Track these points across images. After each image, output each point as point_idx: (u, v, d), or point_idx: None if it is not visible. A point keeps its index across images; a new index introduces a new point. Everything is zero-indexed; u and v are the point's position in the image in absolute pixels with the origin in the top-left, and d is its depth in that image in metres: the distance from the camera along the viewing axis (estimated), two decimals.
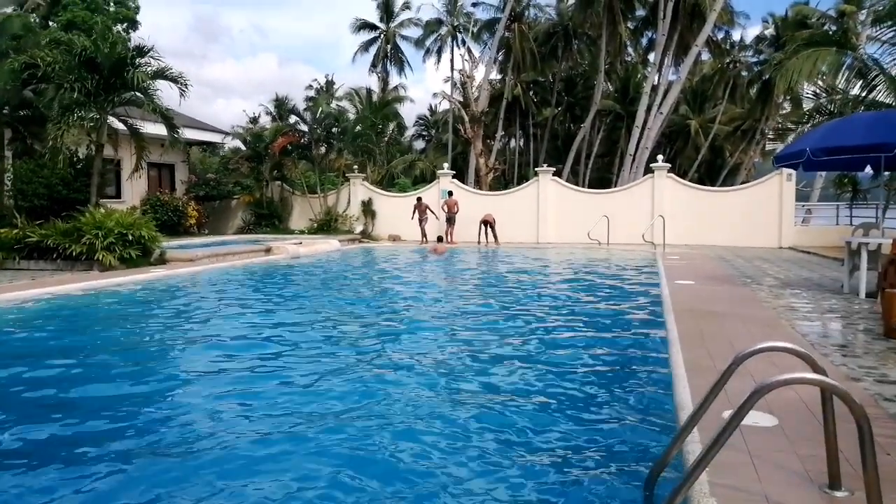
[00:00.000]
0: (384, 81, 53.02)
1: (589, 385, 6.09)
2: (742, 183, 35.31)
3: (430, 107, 61.30)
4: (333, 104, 28.14)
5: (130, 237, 15.37)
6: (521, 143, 52.06)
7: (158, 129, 24.11)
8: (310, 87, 44.48)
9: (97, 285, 12.23)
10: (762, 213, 22.39)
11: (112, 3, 38.30)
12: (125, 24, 39.80)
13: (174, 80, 16.63)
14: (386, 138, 40.07)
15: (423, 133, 62.39)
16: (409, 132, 60.31)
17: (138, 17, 39.69)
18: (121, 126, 18.16)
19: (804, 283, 12.51)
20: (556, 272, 16.08)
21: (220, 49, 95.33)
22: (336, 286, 13.73)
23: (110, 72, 15.52)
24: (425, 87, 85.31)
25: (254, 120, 30.68)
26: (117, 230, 15.20)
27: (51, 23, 29.00)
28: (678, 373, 5.60)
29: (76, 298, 11.14)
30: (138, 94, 15.79)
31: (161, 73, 16.39)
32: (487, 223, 23.82)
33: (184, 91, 16.61)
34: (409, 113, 75.82)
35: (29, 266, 15.49)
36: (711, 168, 48.10)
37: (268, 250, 19.35)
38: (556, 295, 11.96)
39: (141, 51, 15.97)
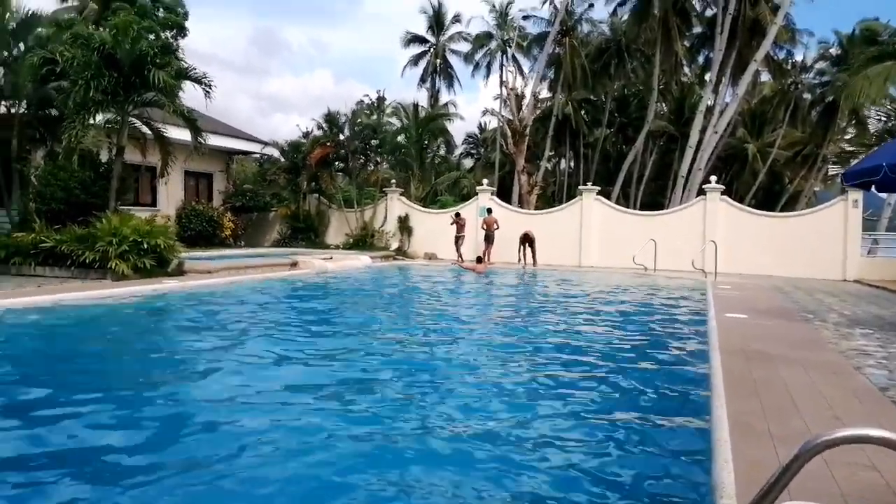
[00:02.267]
0: (434, 97, 52.49)
1: (595, 453, 4.87)
2: None
3: (480, 125, 60.51)
4: (373, 117, 27.44)
5: (146, 246, 14.71)
6: (572, 164, 50.74)
7: (188, 135, 24.04)
8: (361, 102, 44.37)
9: (88, 296, 11.45)
10: (825, 241, 20.67)
11: (161, 9, 38.60)
12: (173, 31, 40.12)
13: (198, 80, 16.03)
14: (431, 154, 39.29)
15: (472, 151, 61.60)
16: (459, 150, 59.64)
17: (187, 24, 40.02)
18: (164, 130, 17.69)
19: (875, 321, 11.03)
20: (591, 300, 14.73)
21: (278, 63, 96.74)
22: (357, 308, 12.64)
23: (131, 69, 14.96)
24: (477, 106, 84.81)
25: (306, 135, 30.10)
26: (132, 238, 14.57)
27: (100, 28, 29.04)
28: (719, 437, 4.37)
29: (58, 311, 10.33)
30: (161, 95, 15.10)
31: (184, 73, 15.78)
32: (527, 240, 22.59)
33: (208, 93, 16.02)
34: (459, 131, 75.09)
35: (45, 273, 15.00)
36: (769, 195, 45.99)
37: (294, 265, 18.57)
38: (583, 330, 10.60)
39: (166, 49, 15.38)
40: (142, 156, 18.32)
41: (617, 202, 38.03)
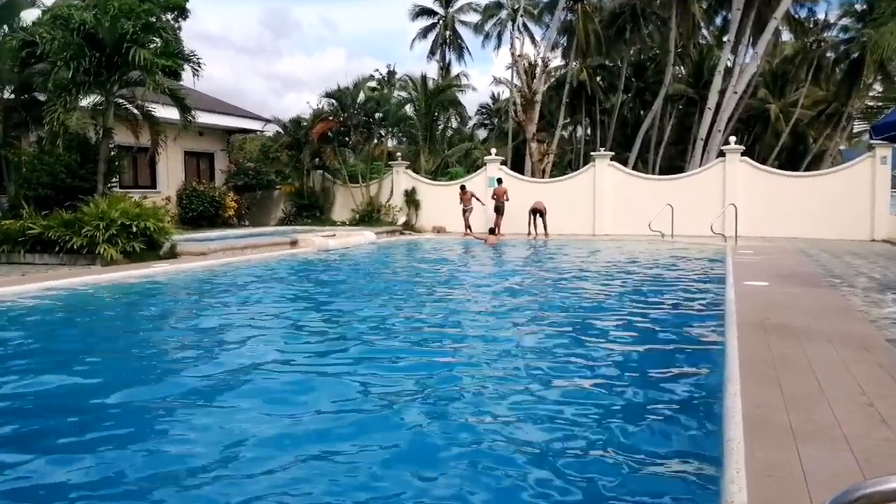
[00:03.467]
0: (446, 70, 51.55)
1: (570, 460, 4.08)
2: None
3: (492, 95, 59.40)
4: (384, 91, 26.53)
5: (135, 229, 14.13)
6: (588, 131, 49.57)
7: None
8: (371, 77, 43.46)
9: (66, 284, 10.78)
10: (851, 201, 19.59)
11: None
12: (175, 13, 39.34)
13: (185, 58, 15.26)
14: (441, 126, 38.38)
15: (486, 122, 60.60)
16: (472, 121, 58.76)
17: (188, 6, 39.21)
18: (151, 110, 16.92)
19: None
20: (600, 270, 13.88)
21: (290, 44, 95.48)
22: (353, 288, 11.90)
23: (113, 49, 14.23)
24: (490, 76, 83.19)
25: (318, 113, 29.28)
26: (120, 221, 13.98)
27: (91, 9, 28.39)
28: (731, 437, 3.61)
29: (31, 300, 9.72)
30: (144, 73, 14.34)
31: (169, 51, 15.01)
32: (537, 212, 21.77)
33: (196, 71, 15.28)
34: (473, 102, 73.76)
35: (34, 260, 14.49)
36: (793, 155, 44.69)
37: (293, 243, 17.91)
38: (585, 306, 9.58)
39: (148, 27, 14.61)
40: (134, 137, 17.62)
41: (635, 168, 36.99)
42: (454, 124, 53.89)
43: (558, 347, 6.90)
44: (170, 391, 5.51)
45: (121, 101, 15.83)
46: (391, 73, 43.08)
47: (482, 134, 59.19)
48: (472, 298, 10.52)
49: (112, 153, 16.66)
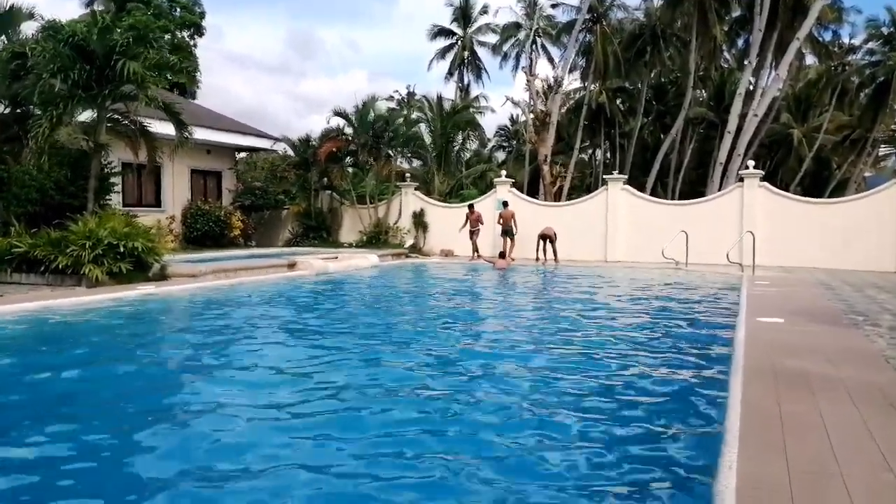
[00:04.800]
0: (465, 91, 51.40)
1: None
2: None
3: (511, 117, 59.08)
4: (403, 111, 26.13)
5: (122, 249, 13.61)
6: (608, 155, 48.90)
7: (196, 133, 22.97)
8: (391, 97, 43.31)
9: (36, 308, 10.25)
10: (875, 229, 18.64)
11: (178, 9, 37.96)
12: (191, 30, 39.50)
13: (178, 70, 14.84)
14: (457, 147, 37.96)
15: (504, 144, 60.21)
16: (491, 143, 58.53)
17: (203, 23, 39.34)
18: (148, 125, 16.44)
19: None
20: (602, 304, 12.96)
21: (314, 64, 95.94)
22: (337, 320, 10.80)
23: (104, 61, 13.82)
24: (520, 102, 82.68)
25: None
26: (107, 241, 13.48)
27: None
28: None
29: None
30: (135, 87, 13.92)
31: (162, 64, 14.59)
32: (546, 238, 21.05)
33: (185, 84, 14.85)
34: (492, 124, 73.20)
35: (20, 279, 13.98)
36: (816, 181, 43.72)
37: (291, 266, 17.34)
38: (578, 350, 8.41)
39: (140, 39, 14.19)
40: (133, 153, 17.21)
41: (653, 192, 36.20)
42: (473, 146, 53.61)
43: (521, 419, 5.52)
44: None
45: (117, 115, 15.39)
46: (410, 95, 42.91)
47: (501, 156, 58.77)
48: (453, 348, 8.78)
49: (106, 169, 16.26)
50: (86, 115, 15.46)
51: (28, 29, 16.28)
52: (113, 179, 16.79)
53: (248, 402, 5.68)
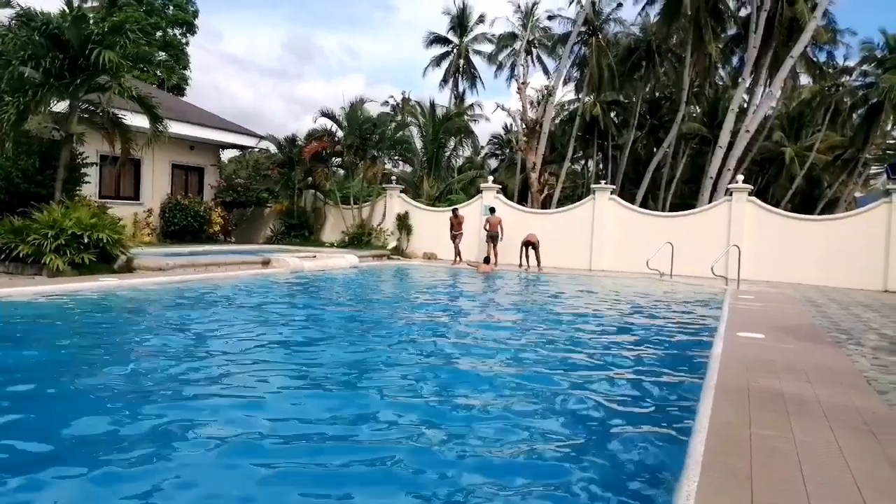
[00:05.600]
0: (460, 99, 51.26)
1: None
2: None
3: (505, 126, 58.94)
4: (398, 117, 25.70)
5: (86, 239, 13.15)
6: (601, 166, 48.70)
7: (178, 129, 22.51)
8: (385, 102, 42.93)
9: None
10: (864, 248, 18.33)
11: (171, 6, 37.50)
12: (183, 28, 39.02)
13: (149, 60, 14.38)
14: (448, 153, 37.60)
15: (497, 152, 60.06)
16: (484, 151, 58.43)
17: (196, 22, 38.86)
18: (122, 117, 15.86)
19: None
20: (580, 312, 12.49)
21: (312, 68, 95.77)
22: (291, 321, 10.13)
23: (79, 51, 13.33)
24: (507, 107, 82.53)
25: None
26: (71, 231, 13.02)
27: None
28: None
29: None
30: (109, 77, 13.43)
31: (138, 56, 14.11)
32: (530, 244, 20.66)
33: (159, 76, 14.39)
34: (486, 132, 72.92)
35: None
36: (807, 200, 43.79)
37: (265, 263, 16.90)
38: (550, 359, 8.08)
39: (116, 28, 13.69)
40: (109, 145, 16.70)
41: (644, 205, 35.95)
42: (466, 153, 53.40)
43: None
44: None
45: (91, 106, 14.86)
46: (405, 100, 42.51)
47: (494, 164, 58.70)
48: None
49: (78, 160, 15.76)
50: (63, 106, 14.97)
51: (6, 17, 15.89)
52: (85, 170, 16.22)
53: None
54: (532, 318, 11.42)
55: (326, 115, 24.56)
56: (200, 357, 7.22)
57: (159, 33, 35.69)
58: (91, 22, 13.29)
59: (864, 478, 3.71)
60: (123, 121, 15.38)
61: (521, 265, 20.83)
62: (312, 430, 4.87)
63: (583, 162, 55.16)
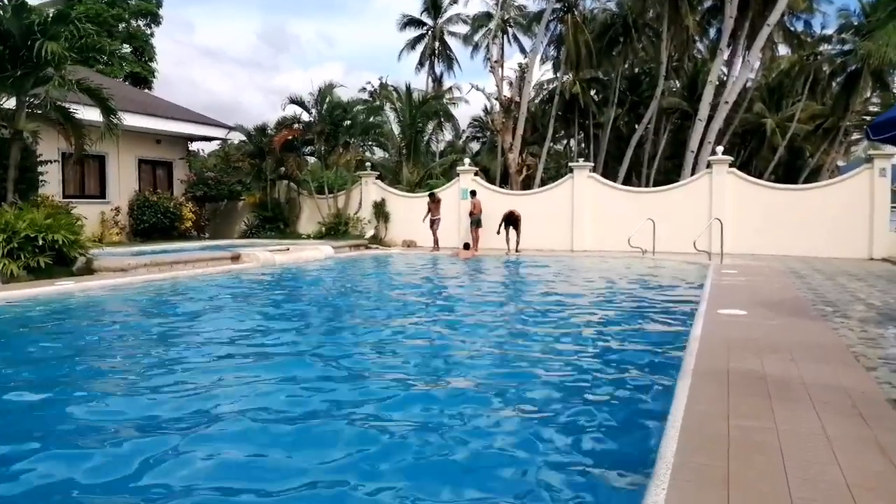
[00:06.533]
0: (438, 82, 50.60)
1: None
2: None
3: (485, 108, 58.29)
4: (376, 103, 25.03)
5: (41, 242, 12.55)
6: (583, 145, 48.21)
7: (143, 122, 21.84)
8: (363, 89, 42.16)
9: None
10: (848, 216, 18.00)
11: None
12: (147, 19, 38.05)
13: (100, 50, 13.70)
14: (426, 137, 37.01)
15: (478, 135, 59.51)
16: (466, 134, 57.90)
17: (161, 12, 37.90)
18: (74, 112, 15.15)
19: None
20: (558, 293, 12.10)
21: (288, 58, 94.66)
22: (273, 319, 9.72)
23: (21, 42, 12.66)
24: (486, 90, 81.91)
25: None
26: (24, 233, 12.41)
27: None
28: None
29: None
30: (52, 69, 12.76)
31: (87, 46, 13.42)
32: (511, 218, 20.06)
33: (111, 65, 13.75)
34: (467, 115, 72.35)
35: None
36: (790, 170, 43.60)
37: (235, 258, 16.33)
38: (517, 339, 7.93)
39: (61, 17, 13.00)
40: (67, 142, 16.05)
41: (626, 182, 35.54)
42: (447, 137, 52.82)
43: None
44: None
45: (39, 101, 14.18)
46: (383, 86, 41.78)
47: (475, 147, 58.15)
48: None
49: (31, 160, 15.12)
50: (12, 102, 14.29)
51: None
52: (41, 169, 15.56)
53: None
54: (522, 299, 11.00)
55: (295, 101, 23.91)
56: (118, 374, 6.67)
57: (122, 25, 34.76)
58: (32, 12, 12.56)
59: (856, 473, 3.28)
60: (75, 115, 14.69)
61: (509, 250, 20.21)
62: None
63: (564, 142, 54.71)
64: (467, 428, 4.66)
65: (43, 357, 6.98)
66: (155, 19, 37.41)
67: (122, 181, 22.65)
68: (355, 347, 7.49)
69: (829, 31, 41.08)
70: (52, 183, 18.44)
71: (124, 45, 33.34)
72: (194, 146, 28.68)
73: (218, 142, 27.78)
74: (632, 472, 3.79)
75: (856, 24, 38.93)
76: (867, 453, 3.59)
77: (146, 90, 32.50)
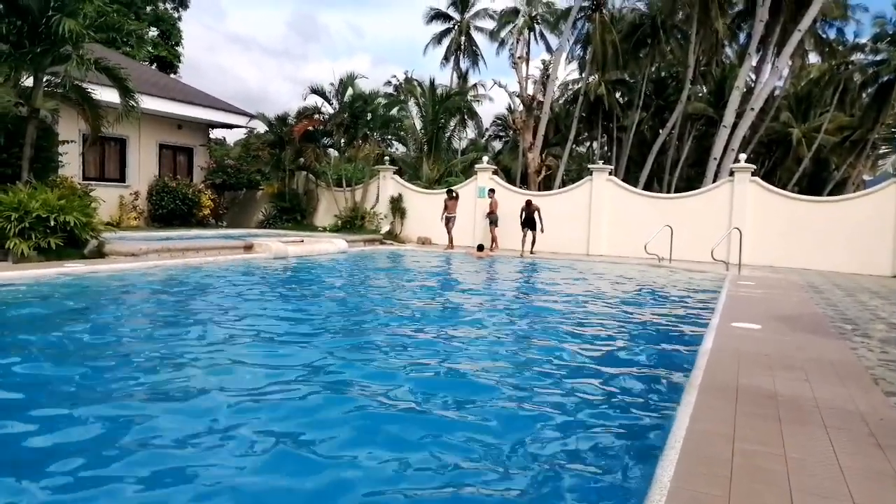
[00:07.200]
0: (463, 78, 50.41)
1: None
2: None
3: (509, 107, 57.99)
4: (401, 97, 24.99)
5: (53, 223, 12.54)
6: (605, 148, 47.76)
7: (163, 106, 21.83)
8: (388, 83, 42.09)
9: None
10: (872, 231, 17.56)
11: None
12: (175, 2, 38.09)
13: (119, 30, 13.60)
14: (448, 134, 36.88)
15: (500, 134, 59.20)
16: (488, 132, 57.69)
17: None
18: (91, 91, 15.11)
19: None
20: (568, 300, 11.81)
21: (317, 48, 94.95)
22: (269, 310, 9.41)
23: (39, 17, 12.63)
24: (510, 88, 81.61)
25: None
26: (36, 213, 12.41)
27: None
28: None
29: None
30: (70, 47, 12.71)
31: (104, 24, 13.36)
32: (529, 214, 19.90)
33: (132, 47, 13.70)
34: (490, 113, 72.18)
35: None
36: (814, 182, 42.88)
37: (248, 247, 16.29)
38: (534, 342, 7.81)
39: None
40: (86, 122, 16.03)
41: (649, 187, 35.09)
42: (470, 134, 52.64)
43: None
44: None
45: (58, 80, 14.15)
46: (408, 80, 41.67)
47: (498, 146, 57.89)
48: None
49: (55, 138, 15.14)
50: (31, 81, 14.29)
51: None
52: (59, 150, 15.56)
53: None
54: (541, 303, 10.79)
55: (316, 91, 23.83)
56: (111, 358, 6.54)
57: (150, 7, 34.83)
58: None
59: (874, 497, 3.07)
60: (92, 95, 14.65)
61: (523, 250, 20.02)
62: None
63: (588, 144, 54.24)
64: (440, 449, 4.49)
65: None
66: (183, 3, 37.48)
67: (143, 165, 22.69)
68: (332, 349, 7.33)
69: (862, 40, 40.33)
70: (71, 164, 18.50)
71: (151, 28, 33.44)
72: (217, 134, 28.69)
73: (242, 130, 27.81)
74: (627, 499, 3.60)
75: (892, 32, 38.11)
76: (884, 488, 3.37)
77: (171, 75, 32.64)
